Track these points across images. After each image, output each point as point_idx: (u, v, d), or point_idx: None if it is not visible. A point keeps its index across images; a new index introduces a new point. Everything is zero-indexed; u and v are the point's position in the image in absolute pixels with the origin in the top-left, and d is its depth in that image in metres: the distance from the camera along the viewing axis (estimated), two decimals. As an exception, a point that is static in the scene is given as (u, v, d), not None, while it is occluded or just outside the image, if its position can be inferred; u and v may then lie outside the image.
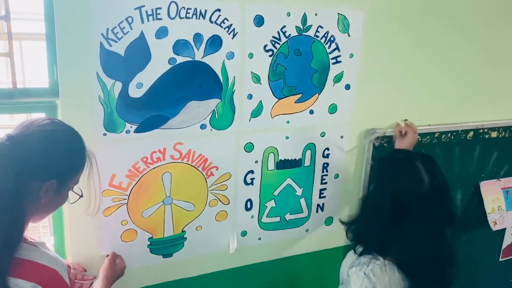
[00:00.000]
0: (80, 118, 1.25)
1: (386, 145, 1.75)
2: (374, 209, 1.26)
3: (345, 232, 1.42)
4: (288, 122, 1.56)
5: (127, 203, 1.38)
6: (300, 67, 1.52)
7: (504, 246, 2.32)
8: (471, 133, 1.99)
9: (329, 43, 1.54)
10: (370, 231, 1.26)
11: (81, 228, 1.34)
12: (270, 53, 1.46)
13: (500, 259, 2.34)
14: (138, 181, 1.38)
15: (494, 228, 2.13)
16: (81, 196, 1.11)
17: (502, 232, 2.27)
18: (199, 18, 1.31)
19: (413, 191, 1.20)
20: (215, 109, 1.42)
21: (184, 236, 1.52)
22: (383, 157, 1.35)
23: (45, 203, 0.99)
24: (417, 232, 1.20)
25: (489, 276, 2.33)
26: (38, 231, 1.77)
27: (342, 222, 1.45)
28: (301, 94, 1.55)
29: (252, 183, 1.58)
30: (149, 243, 1.46)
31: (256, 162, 1.56)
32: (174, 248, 1.51)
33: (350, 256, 1.36)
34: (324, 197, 1.74)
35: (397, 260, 1.23)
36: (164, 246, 1.49)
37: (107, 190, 1.34)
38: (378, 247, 1.24)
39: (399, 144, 1.57)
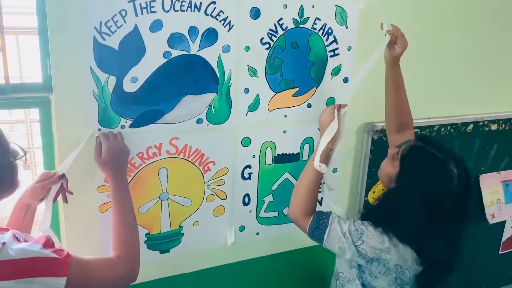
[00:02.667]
0: (74, 113, 1.24)
1: (385, 138, 1.73)
2: (400, 200, 1.23)
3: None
4: (285, 116, 1.55)
5: (123, 199, 1.37)
6: (298, 60, 1.50)
7: (504, 239, 2.32)
8: (471, 126, 1.98)
9: (326, 35, 1.52)
10: (392, 217, 1.23)
11: (77, 224, 1.33)
12: (267, 46, 1.44)
13: (500, 252, 2.34)
14: (134, 176, 1.36)
15: (492, 221, 2.14)
16: (25, 155, 1.03)
17: (502, 225, 2.27)
18: (194, 11, 1.29)
19: (443, 195, 1.20)
20: (212, 103, 1.41)
21: (181, 232, 1.51)
22: (421, 150, 1.25)
23: None
24: (437, 230, 1.21)
25: (489, 269, 2.33)
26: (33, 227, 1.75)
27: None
28: (298, 88, 1.53)
29: (249, 178, 1.56)
30: (146, 239, 1.45)
31: (254, 156, 1.55)
32: (171, 243, 1.50)
33: None
34: (323, 191, 1.72)
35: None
36: (161, 242, 1.48)
37: (103, 186, 1.32)
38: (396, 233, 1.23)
39: (391, 54, 1.40)
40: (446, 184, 1.20)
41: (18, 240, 0.97)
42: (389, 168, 1.30)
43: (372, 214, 1.31)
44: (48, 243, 0.97)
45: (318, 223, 1.28)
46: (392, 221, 1.22)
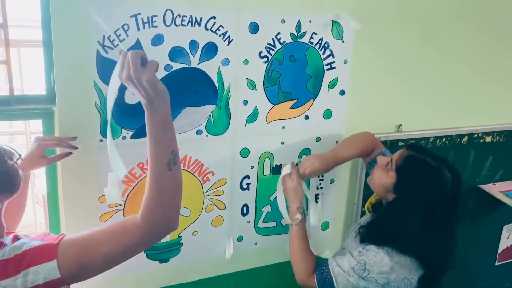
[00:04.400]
0: (77, 125, 1.27)
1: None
2: (405, 213, 1.25)
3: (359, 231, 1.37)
4: (283, 127, 1.58)
5: (123, 209, 1.39)
6: (295, 73, 1.54)
7: (500, 250, 2.33)
8: (466, 138, 2.01)
9: (323, 49, 1.56)
10: (399, 232, 1.25)
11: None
12: (265, 59, 1.47)
13: (496, 263, 2.35)
14: (134, 187, 1.39)
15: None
16: (20, 158, 0.99)
17: (498, 236, 2.28)
18: (194, 26, 1.33)
19: (442, 200, 1.24)
20: (211, 114, 1.44)
21: (181, 242, 1.52)
22: (416, 159, 1.27)
23: None
24: (439, 236, 1.25)
25: (485, 280, 2.33)
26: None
27: (361, 227, 1.38)
28: (296, 100, 1.57)
29: (248, 188, 1.59)
30: (145, 248, 1.47)
31: (252, 167, 1.57)
32: (171, 253, 1.52)
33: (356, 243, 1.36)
34: (320, 202, 1.75)
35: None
36: (161, 252, 1.50)
37: (104, 196, 1.34)
38: (404, 247, 1.25)
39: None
40: (444, 190, 1.24)
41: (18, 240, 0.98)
42: (384, 178, 1.32)
43: (376, 229, 1.32)
44: (45, 237, 0.97)
45: (322, 275, 1.30)
46: (395, 235, 1.24)
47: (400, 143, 1.82)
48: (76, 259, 0.91)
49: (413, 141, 1.86)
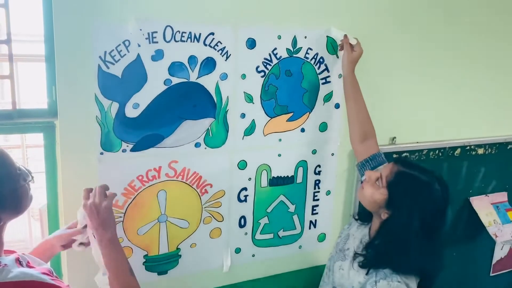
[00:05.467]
0: (78, 138, 1.29)
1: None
2: (404, 232, 1.25)
3: (353, 259, 1.35)
4: (280, 140, 1.61)
5: (123, 221, 1.40)
6: (291, 87, 1.57)
7: (494, 261, 2.35)
8: (459, 150, 2.05)
9: (318, 64, 1.60)
10: (401, 253, 1.25)
11: (77, 255, 1.33)
12: (262, 74, 1.51)
13: (491, 274, 2.37)
14: (133, 199, 1.41)
15: (497, 240, 2.16)
16: (32, 179, 1.05)
17: (492, 247, 2.31)
18: (193, 41, 1.37)
19: (435, 213, 1.26)
20: (209, 128, 1.47)
21: (179, 254, 1.54)
22: (407, 175, 1.28)
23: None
24: (434, 246, 1.27)
25: (480, 291, 2.35)
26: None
27: (357, 254, 1.36)
28: (292, 113, 1.60)
29: (245, 200, 1.61)
30: (144, 260, 1.48)
31: (250, 179, 1.59)
32: (169, 265, 1.53)
33: (357, 273, 1.33)
34: (317, 213, 1.77)
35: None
36: (159, 264, 1.51)
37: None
38: (407, 267, 1.25)
39: (348, 58, 1.53)
40: (436, 203, 1.26)
41: (21, 264, 1.00)
42: (376, 195, 1.31)
43: (377, 253, 1.29)
44: (50, 273, 1.00)
45: None
46: (397, 256, 1.24)
47: (394, 155, 1.85)
48: None
49: (407, 154, 1.89)
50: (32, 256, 1.10)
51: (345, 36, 1.53)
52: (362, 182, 1.41)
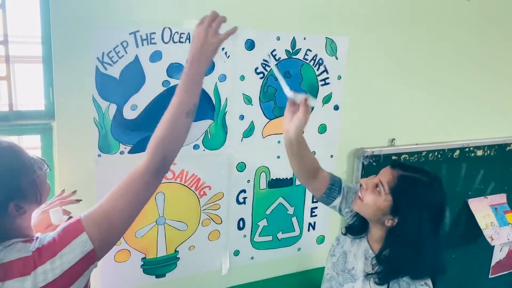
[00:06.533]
0: (75, 140, 1.28)
1: (375, 164, 1.79)
2: (417, 235, 1.22)
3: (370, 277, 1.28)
4: (279, 142, 1.60)
5: (120, 223, 1.39)
6: (290, 88, 1.56)
7: (493, 263, 2.35)
8: (457, 152, 2.05)
9: (317, 65, 1.60)
10: (416, 256, 1.22)
11: None
12: (261, 75, 1.50)
13: (490, 276, 2.37)
14: (131, 201, 1.39)
15: (492, 243, 2.15)
16: (48, 168, 1.03)
17: (491, 249, 2.30)
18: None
19: (440, 213, 1.26)
20: (208, 129, 1.46)
21: (177, 256, 1.52)
22: (409, 178, 1.24)
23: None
24: (440, 241, 1.26)
25: (479, 293, 2.35)
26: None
27: (369, 274, 1.28)
28: (291, 115, 1.59)
29: (244, 202, 1.60)
30: (142, 263, 1.47)
31: (248, 181, 1.59)
32: (167, 268, 1.52)
33: None
34: (316, 215, 1.76)
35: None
36: (157, 266, 1.50)
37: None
38: (425, 269, 1.24)
39: (287, 121, 1.25)
40: (439, 202, 1.26)
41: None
42: (379, 201, 1.25)
43: (392, 265, 1.25)
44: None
45: None
46: (413, 261, 1.22)
47: (394, 157, 1.85)
48: (100, 223, 0.94)
49: (406, 156, 1.89)
50: None
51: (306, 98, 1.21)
52: (356, 194, 1.36)
